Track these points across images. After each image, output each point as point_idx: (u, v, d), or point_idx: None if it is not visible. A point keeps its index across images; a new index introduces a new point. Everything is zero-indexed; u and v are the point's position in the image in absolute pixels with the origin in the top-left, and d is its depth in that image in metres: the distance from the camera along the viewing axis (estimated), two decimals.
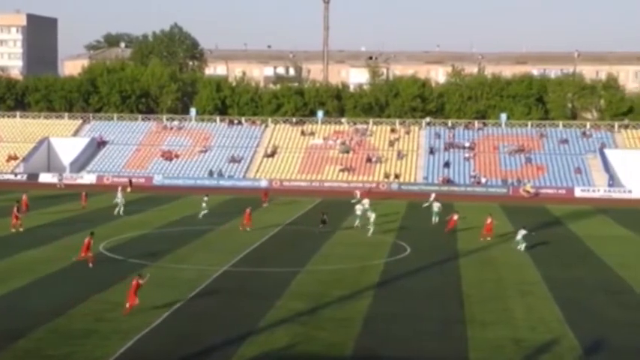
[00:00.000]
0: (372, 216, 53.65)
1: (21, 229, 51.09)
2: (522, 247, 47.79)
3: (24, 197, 60.47)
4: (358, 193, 72.30)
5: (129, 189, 72.79)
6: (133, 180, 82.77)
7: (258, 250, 46.54)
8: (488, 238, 51.42)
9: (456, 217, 55.64)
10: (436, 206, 60.01)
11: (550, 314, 32.70)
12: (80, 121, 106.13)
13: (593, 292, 37.35)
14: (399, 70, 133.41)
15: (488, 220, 52.74)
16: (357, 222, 56.43)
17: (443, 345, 28.12)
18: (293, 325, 30.14)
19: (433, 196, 67.63)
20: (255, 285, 37.31)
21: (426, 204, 65.64)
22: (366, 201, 61.65)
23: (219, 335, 28.44)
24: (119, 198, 62.10)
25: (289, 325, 30.22)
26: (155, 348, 27.04)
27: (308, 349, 27.45)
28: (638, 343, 28.93)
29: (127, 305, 30.61)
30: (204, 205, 60.64)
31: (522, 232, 48.42)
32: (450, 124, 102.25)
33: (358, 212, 57.27)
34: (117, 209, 60.95)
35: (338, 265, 42.17)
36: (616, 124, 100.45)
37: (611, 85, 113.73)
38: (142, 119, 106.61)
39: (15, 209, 52.15)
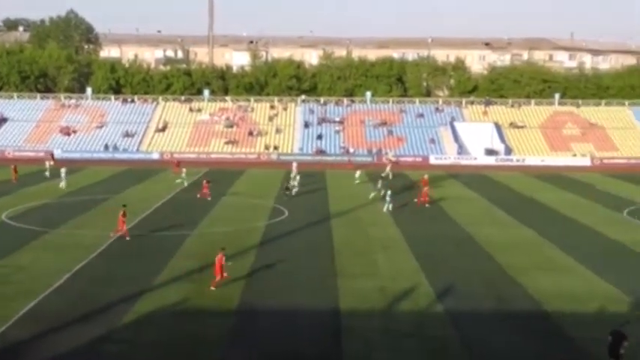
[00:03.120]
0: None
1: None
2: (390, 207, 48.68)
3: None
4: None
5: (52, 162, 69.80)
6: (42, 154, 79.54)
7: (152, 216, 45.82)
8: (427, 205, 51.33)
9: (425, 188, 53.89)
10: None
11: (408, 266, 33.55)
12: None
13: (445, 245, 38.47)
14: (276, 53, 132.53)
15: (425, 189, 53.09)
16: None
17: (317, 295, 28.49)
18: (185, 283, 29.93)
19: (389, 167, 67.92)
20: (149, 247, 36.75)
21: (384, 174, 65.04)
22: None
23: (116, 294, 27.95)
24: (63, 173, 59.35)
25: (181, 282, 30.00)
26: (57, 307, 26.34)
27: (198, 303, 27.32)
28: (482, 287, 30.06)
29: (217, 278, 28.83)
30: (183, 175, 60.76)
31: (389, 193, 49.39)
32: (322, 101, 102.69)
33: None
34: (61, 183, 58.48)
35: (224, 228, 41.99)
36: (463, 101, 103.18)
37: (460, 66, 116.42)
38: (41, 98, 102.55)
39: None
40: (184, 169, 62.50)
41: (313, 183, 61.11)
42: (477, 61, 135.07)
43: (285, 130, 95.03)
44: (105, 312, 25.92)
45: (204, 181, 54.63)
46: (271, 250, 36.37)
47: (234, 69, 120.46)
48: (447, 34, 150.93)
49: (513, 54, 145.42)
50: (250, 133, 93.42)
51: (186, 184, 59.99)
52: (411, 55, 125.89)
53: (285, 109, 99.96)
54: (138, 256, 34.66)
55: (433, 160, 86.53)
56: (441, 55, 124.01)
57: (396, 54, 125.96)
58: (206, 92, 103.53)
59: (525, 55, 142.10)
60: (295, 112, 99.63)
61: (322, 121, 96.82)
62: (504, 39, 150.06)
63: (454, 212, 49.07)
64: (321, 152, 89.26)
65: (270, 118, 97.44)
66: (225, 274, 28.99)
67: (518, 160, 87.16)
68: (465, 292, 29.20)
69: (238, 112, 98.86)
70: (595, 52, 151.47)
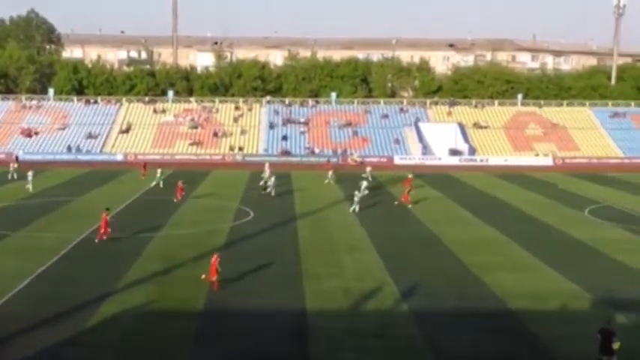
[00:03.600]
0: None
1: None
2: (357, 208, 48.82)
3: None
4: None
5: (16, 165, 68.59)
6: (3, 156, 78.39)
7: (116, 218, 45.37)
8: (409, 206, 51.29)
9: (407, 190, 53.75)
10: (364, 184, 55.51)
11: (374, 266, 33.70)
12: None
13: (410, 245, 38.68)
14: (241, 54, 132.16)
15: (407, 189, 53.18)
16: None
17: (282, 296, 28.49)
18: (149, 285, 29.75)
19: (369, 169, 68.04)
20: (114, 250, 36.39)
21: (365, 174, 64.74)
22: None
23: (79, 296, 27.69)
24: (30, 175, 58.46)
25: (145, 284, 29.81)
26: (19, 311, 26.02)
27: (163, 305, 27.19)
28: (446, 286, 30.29)
29: (214, 279, 28.86)
30: (158, 176, 60.49)
31: (357, 194, 49.56)
32: (287, 102, 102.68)
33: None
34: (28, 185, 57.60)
35: (189, 230, 41.80)
36: (428, 101, 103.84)
37: (424, 67, 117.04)
38: (2, 99, 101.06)
39: None
40: (159, 170, 61.98)
41: (279, 185, 60.75)
42: (441, 62, 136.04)
43: (250, 131, 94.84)
44: (69, 315, 25.66)
45: (180, 183, 54.21)
46: (236, 252, 36.26)
47: (199, 70, 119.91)
48: (412, 35, 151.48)
49: (477, 55, 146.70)
50: (215, 134, 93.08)
51: (162, 185, 59.57)
52: (375, 56, 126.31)
53: (250, 110, 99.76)
54: (102, 259, 34.34)
55: (398, 160, 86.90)
56: (406, 56, 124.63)
57: (360, 55, 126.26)
58: (170, 93, 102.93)
59: (489, 56, 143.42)
60: (260, 113, 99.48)
61: (287, 121, 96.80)
62: (468, 40, 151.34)
63: (419, 212, 49.34)
64: (286, 153, 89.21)
65: (235, 119, 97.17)
66: (216, 277, 29.00)
67: (481, 160, 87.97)
68: (430, 291, 29.41)
69: (203, 113, 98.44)
70: (557, 53, 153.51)
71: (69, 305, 26.60)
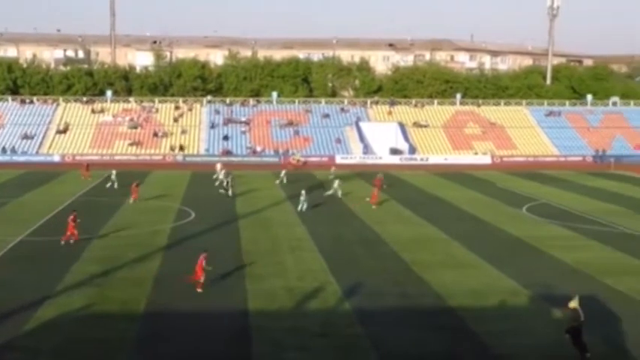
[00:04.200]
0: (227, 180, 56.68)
1: None
2: (304, 207, 48.81)
3: None
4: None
5: None
6: None
7: (54, 220, 44.51)
8: (374, 207, 51.06)
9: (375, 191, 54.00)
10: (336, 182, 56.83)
11: (316, 265, 33.74)
12: None
13: (352, 244, 38.84)
14: (181, 53, 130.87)
15: (375, 191, 53.16)
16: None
17: (225, 297, 28.32)
18: (88, 287, 29.24)
19: (333, 168, 67.80)
20: (51, 252, 35.66)
21: (331, 176, 64.17)
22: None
23: (17, 300, 27.01)
24: None
25: (85, 287, 29.29)
26: None
27: (103, 308, 26.76)
28: (388, 285, 30.51)
29: (198, 279, 28.70)
30: (113, 178, 59.67)
31: (303, 193, 49.59)
32: (228, 102, 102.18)
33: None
34: None
35: (129, 231, 41.24)
36: (368, 101, 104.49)
37: (364, 67, 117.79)
38: None
39: None
40: (114, 171, 61.04)
41: (219, 185, 60.28)
42: (381, 62, 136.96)
43: (191, 131, 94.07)
44: (5, 320, 25.02)
45: (134, 185, 53.31)
46: (178, 253, 35.91)
47: (138, 69, 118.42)
48: (352, 35, 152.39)
49: (416, 55, 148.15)
50: (155, 134, 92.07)
51: (116, 186, 58.58)
52: (316, 55, 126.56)
53: (190, 109, 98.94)
54: (39, 262, 33.60)
55: (339, 159, 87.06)
56: (346, 56, 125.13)
57: (301, 54, 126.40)
58: (109, 93, 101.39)
59: (428, 56, 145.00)
60: (201, 112, 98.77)
61: (228, 121, 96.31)
62: (407, 40, 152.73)
63: (361, 211, 49.58)
64: (227, 153, 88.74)
65: (176, 119, 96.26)
66: (202, 277, 28.81)
67: (422, 159, 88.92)
68: (372, 290, 29.58)
69: (142, 113, 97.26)
70: (494, 54, 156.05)
71: (5, 309, 25.92)
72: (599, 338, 23.67)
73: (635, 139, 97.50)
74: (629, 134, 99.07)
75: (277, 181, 63.97)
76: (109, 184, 59.56)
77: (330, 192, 55.83)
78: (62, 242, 36.89)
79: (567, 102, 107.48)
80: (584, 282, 30.80)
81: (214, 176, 62.56)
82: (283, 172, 65.86)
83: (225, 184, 57.17)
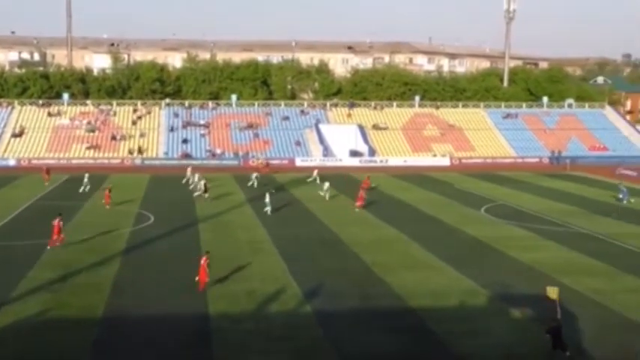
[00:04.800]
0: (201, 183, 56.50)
1: None
2: (269, 209, 48.64)
3: None
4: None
5: None
6: None
7: (9, 225, 43.77)
8: (357, 210, 50.97)
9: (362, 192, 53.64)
10: (325, 185, 57.33)
11: (277, 268, 33.69)
12: None
13: (312, 246, 38.87)
14: (139, 56, 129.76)
15: (361, 193, 52.93)
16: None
17: (185, 301, 28.09)
18: (45, 293, 28.78)
19: (316, 172, 67.57)
20: (6, 258, 35.05)
21: (310, 179, 63.93)
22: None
23: None
24: None
25: (41, 293, 28.82)
26: None
27: (60, 314, 26.37)
28: (349, 286, 30.55)
29: (203, 280, 28.97)
30: (86, 181, 58.98)
31: (268, 195, 49.45)
32: (187, 105, 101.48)
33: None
34: None
35: (87, 235, 40.65)
36: (327, 103, 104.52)
37: (323, 69, 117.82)
38: None
39: None
40: (87, 174, 60.44)
41: (177, 188, 60.08)
42: (341, 65, 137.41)
43: (150, 134, 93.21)
44: None
45: (107, 190, 52.53)
46: (136, 257, 35.57)
47: (95, 72, 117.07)
48: (311, 37, 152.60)
49: (375, 57, 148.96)
50: (113, 138, 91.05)
51: (87, 189, 57.80)
52: (275, 58, 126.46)
53: (149, 112, 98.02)
54: None
55: (299, 162, 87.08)
56: (305, 59, 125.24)
57: (260, 57, 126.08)
58: (65, 96, 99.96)
59: (387, 59, 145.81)
60: (159, 115, 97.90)
61: (187, 124, 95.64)
62: (366, 43, 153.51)
63: (320, 213, 49.62)
64: (187, 156, 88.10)
65: (134, 122, 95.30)
66: (206, 278, 28.93)
67: (381, 161, 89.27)
68: (333, 292, 29.60)
69: (100, 116, 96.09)
70: (452, 56, 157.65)
71: None
72: None
73: (589, 141, 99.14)
74: (583, 136, 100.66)
75: (249, 183, 63.72)
76: (82, 189, 58.40)
77: (321, 193, 56.47)
78: (48, 247, 36.48)
79: (524, 104, 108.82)
80: (541, 282, 31.10)
81: (184, 180, 62.00)
82: (254, 174, 65.64)
83: (201, 186, 56.70)
